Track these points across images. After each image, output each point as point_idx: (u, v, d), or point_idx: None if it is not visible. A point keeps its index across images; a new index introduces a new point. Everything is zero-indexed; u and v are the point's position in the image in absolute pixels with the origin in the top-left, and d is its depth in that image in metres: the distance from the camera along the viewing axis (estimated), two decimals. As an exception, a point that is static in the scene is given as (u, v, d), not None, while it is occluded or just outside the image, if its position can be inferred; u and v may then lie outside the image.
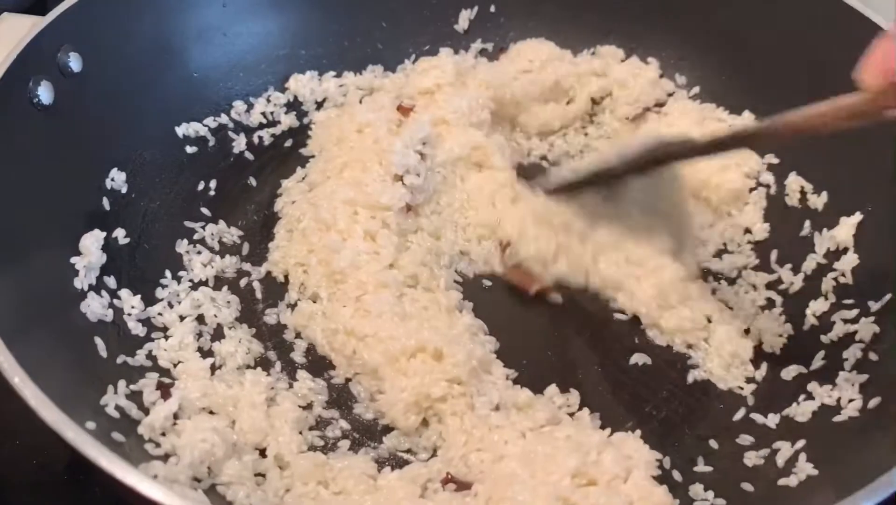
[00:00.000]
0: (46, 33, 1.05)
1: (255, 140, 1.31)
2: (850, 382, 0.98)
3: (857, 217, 1.10)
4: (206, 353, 1.05)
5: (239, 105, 1.32)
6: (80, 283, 1.03)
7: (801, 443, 0.95)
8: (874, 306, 1.02)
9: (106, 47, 1.14)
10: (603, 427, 0.99)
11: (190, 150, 1.26)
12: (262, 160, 1.29)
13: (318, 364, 1.07)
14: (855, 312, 1.04)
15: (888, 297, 1.01)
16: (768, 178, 1.24)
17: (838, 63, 1.15)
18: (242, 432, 0.94)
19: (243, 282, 1.15)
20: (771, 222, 1.20)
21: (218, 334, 1.08)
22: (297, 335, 1.10)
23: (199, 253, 1.16)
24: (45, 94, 1.04)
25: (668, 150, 1.07)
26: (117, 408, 0.91)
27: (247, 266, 1.17)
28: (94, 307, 1.02)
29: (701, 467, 0.97)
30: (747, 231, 1.21)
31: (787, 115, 0.91)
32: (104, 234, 1.08)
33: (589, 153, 1.32)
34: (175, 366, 1.02)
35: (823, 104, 0.87)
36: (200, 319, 1.09)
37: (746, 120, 1.28)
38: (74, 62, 1.09)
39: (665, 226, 1.13)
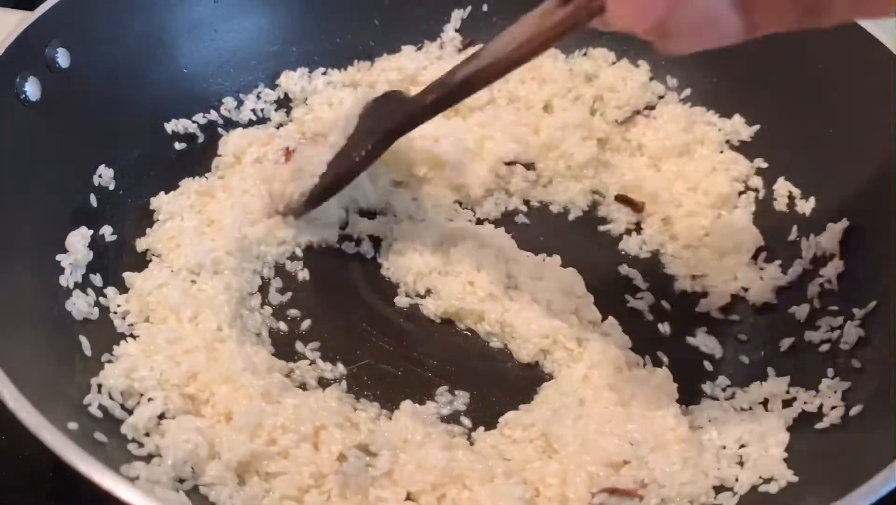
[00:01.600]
0: (34, 28, 1.05)
1: (245, 137, 1.31)
2: (833, 389, 0.98)
3: (844, 223, 1.10)
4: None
5: (229, 101, 1.32)
6: (66, 280, 1.02)
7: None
8: (858, 313, 1.02)
9: (95, 43, 1.14)
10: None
11: (179, 146, 1.25)
12: (251, 157, 1.29)
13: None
14: (840, 319, 1.04)
15: (873, 304, 1.01)
16: (757, 182, 1.24)
17: (829, 66, 1.17)
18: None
19: (231, 280, 1.15)
20: (759, 226, 1.20)
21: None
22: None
23: (187, 251, 1.15)
24: (32, 90, 1.04)
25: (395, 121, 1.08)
26: (100, 407, 0.91)
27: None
28: (80, 305, 1.02)
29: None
30: (736, 235, 1.21)
31: (491, 47, 0.96)
32: (91, 231, 1.08)
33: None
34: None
35: (526, 25, 0.90)
36: (187, 317, 1.08)
37: (737, 123, 1.28)
38: (62, 58, 1.09)
39: None
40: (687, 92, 1.33)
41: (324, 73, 1.36)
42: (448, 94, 1.03)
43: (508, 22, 1.40)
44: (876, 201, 1.07)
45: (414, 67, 1.33)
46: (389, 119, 1.10)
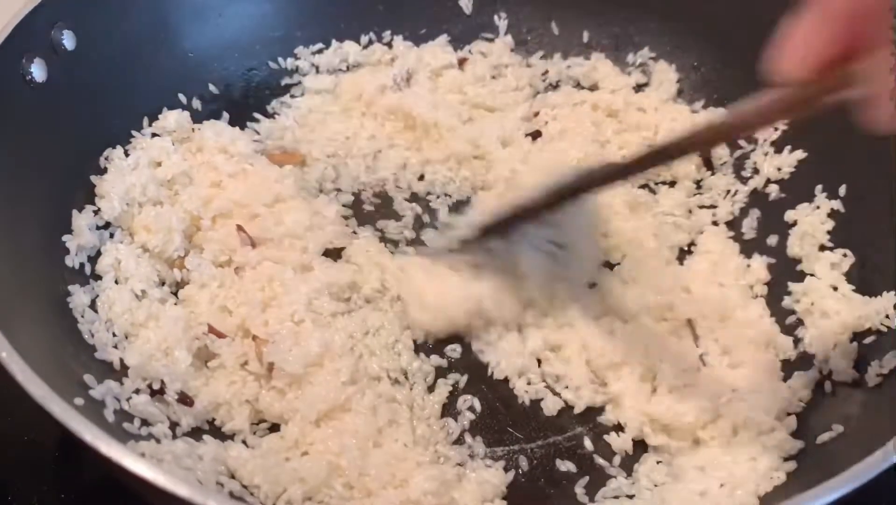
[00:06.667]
0: (40, 10, 1.05)
1: (250, 120, 1.31)
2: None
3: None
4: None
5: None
6: (72, 260, 1.03)
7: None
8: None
9: (100, 25, 1.14)
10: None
11: (184, 129, 1.26)
12: (255, 140, 1.29)
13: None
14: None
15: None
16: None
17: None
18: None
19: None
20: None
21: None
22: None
23: (194, 232, 1.15)
24: (38, 71, 1.04)
25: (590, 178, 0.99)
26: (106, 385, 0.91)
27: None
28: (86, 286, 1.02)
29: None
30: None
31: (719, 118, 0.88)
32: (97, 213, 1.09)
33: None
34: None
35: (753, 103, 0.76)
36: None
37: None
38: (68, 40, 1.09)
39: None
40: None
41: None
42: (656, 153, 0.92)
43: (515, 7, 1.43)
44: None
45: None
46: (587, 171, 1.02)
